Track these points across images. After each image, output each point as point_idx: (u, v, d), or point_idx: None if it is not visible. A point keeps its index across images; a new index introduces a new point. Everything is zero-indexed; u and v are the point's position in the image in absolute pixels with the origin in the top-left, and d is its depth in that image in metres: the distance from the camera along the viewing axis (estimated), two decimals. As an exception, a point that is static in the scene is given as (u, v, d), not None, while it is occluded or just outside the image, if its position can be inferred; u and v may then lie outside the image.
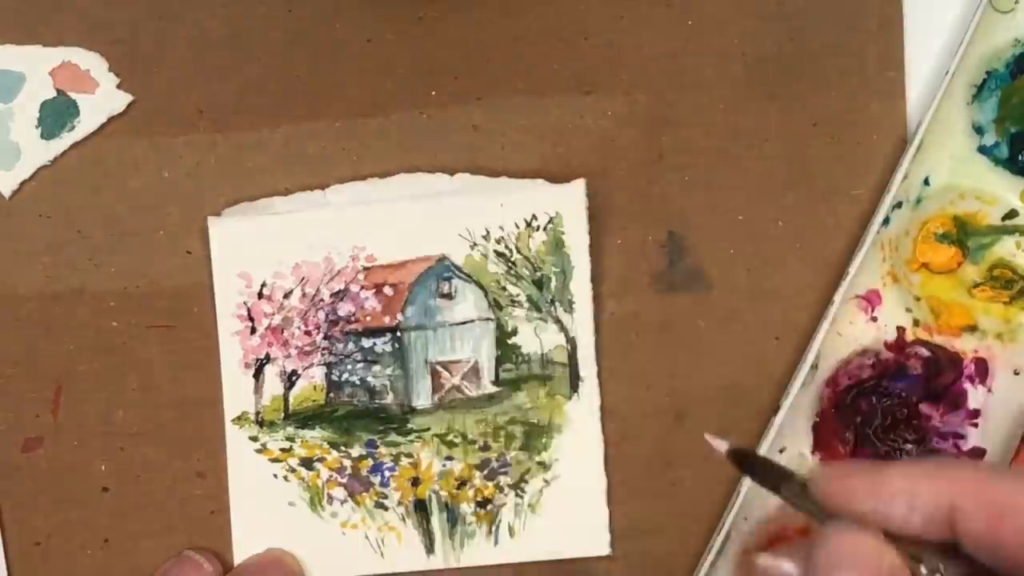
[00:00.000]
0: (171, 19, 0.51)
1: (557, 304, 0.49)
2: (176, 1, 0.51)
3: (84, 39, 0.50)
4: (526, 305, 0.50)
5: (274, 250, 0.50)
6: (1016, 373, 0.48)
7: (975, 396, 0.48)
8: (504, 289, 0.50)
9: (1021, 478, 0.31)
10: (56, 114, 0.50)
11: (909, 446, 0.48)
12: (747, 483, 0.48)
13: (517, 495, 0.49)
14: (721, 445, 0.38)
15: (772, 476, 0.37)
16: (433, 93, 0.50)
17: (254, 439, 0.50)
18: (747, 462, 0.38)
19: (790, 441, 0.49)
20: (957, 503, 0.31)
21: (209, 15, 0.51)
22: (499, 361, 0.50)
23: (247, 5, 0.51)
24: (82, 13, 0.50)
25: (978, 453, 0.48)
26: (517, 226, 0.50)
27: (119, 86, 0.50)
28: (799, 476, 0.35)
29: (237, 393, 0.50)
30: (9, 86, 0.50)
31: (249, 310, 0.50)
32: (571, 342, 0.49)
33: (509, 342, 0.50)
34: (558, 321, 0.49)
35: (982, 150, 0.49)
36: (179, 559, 0.49)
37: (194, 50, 0.51)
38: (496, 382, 0.50)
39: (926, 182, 0.49)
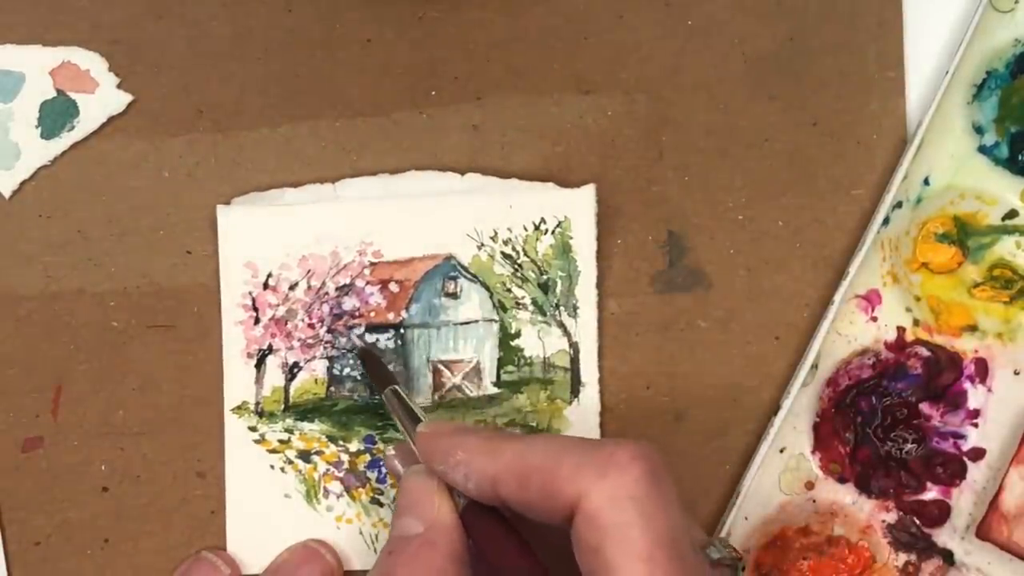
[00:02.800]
0: (171, 19, 0.51)
1: (562, 308, 0.49)
2: (176, 1, 0.51)
3: (84, 39, 0.50)
4: (531, 308, 0.50)
5: (281, 242, 0.50)
6: (1016, 373, 0.48)
7: (975, 396, 0.48)
8: (509, 291, 0.50)
9: (543, 444, 0.38)
10: (56, 114, 0.50)
11: (909, 446, 0.48)
12: (747, 484, 0.48)
13: (516, 495, 0.49)
14: (357, 342, 0.49)
15: (380, 378, 0.47)
16: (433, 93, 0.50)
17: (253, 429, 0.50)
18: (367, 358, 0.48)
19: (790, 441, 0.49)
20: (498, 476, 0.38)
21: (209, 15, 0.51)
22: (501, 363, 0.50)
23: (247, 5, 0.51)
24: (82, 13, 0.50)
25: (978, 453, 0.48)
26: (525, 228, 0.50)
27: (119, 86, 0.50)
28: (403, 394, 0.46)
29: (238, 383, 0.50)
30: (9, 86, 0.50)
31: (254, 300, 0.50)
32: (574, 347, 0.49)
33: (512, 344, 0.50)
34: (562, 325, 0.49)
35: (982, 150, 0.49)
36: (195, 559, 0.49)
37: (194, 50, 0.51)
38: (497, 383, 0.50)
39: (926, 182, 0.49)
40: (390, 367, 0.50)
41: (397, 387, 0.46)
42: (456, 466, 0.40)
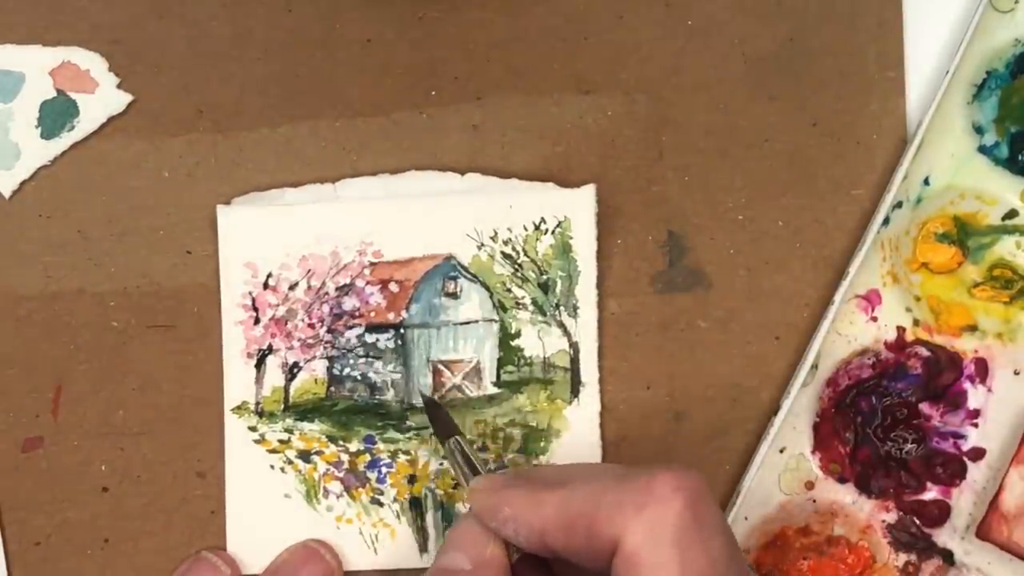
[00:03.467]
0: (171, 19, 0.51)
1: (562, 308, 0.49)
2: (176, 1, 0.51)
3: (84, 39, 0.50)
4: (531, 308, 0.50)
5: (281, 242, 0.50)
6: (1016, 373, 0.48)
7: (975, 396, 0.48)
8: (509, 291, 0.50)
9: (586, 490, 0.37)
10: (56, 114, 0.50)
11: (909, 446, 0.48)
12: (747, 484, 0.48)
13: (515, 496, 0.49)
14: (424, 391, 0.49)
15: (443, 427, 0.46)
16: (433, 93, 0.50)
17: (252, 429, 0.50)
18: (432, 407, 0.48)
19: (790, 441, 0.49)
20: (544, 528, 0.38)
21: (209, 15, 0.51)
22: (501, 363, 0.50)
23: (247, 5, 0.51)
24: (82, 13, 0.50)
25: (978, 453, 0.48)
26: (525, 228, 0.50)
27: (119, 86, 0.50)
28: (462, 442, 0.45)
29: (238, 382, 0.50)
30: (9, 86, 0.50)
31: (254, 300, 0.50)
32: (574, 347, 0.49)
33: (512, 344, 0.50)
34: (562, 325, 0.49)
35: (982, 150, 0.49)
36: (195, 559, 0.49)
37: (194, 50, 0.51)
38: (497, 383, 0.50)
39: (926, 182, 0.49)
40: (390, 367, 0.50)
41: (460, 438, 0.45)
42: (505, 522, 0.39)
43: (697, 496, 0.36)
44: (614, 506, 0.36)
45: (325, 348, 0.50)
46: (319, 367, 0.50)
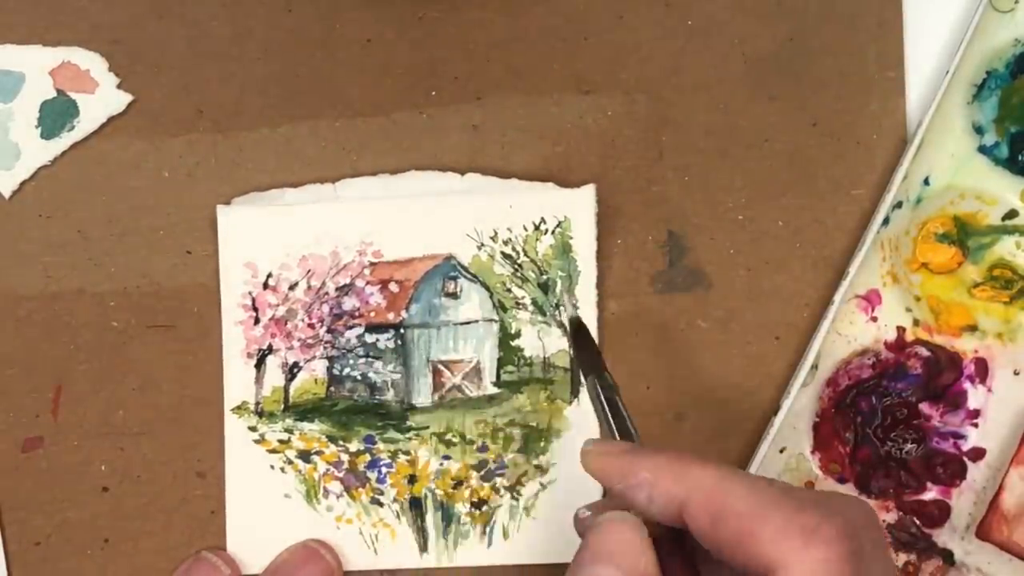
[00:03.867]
0: (171, 19, 0.51)
1: (562, 308, 0.49)
2: (176, 1, 0.51)
3: (84, 39, 0.50)
4: (531, 308, 0.50)
5: (281, 242, 0.50)
6: (1016, 373, 0.48)
7: (975, 396, 0.48)
8: (509, 291, 0.50)
9: (745, 486, 0.35)
10: (56, 114, 0.50)
11: (909, 446, 0.48)
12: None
13: (513, 497, 0.49)
14: (571, 311, 0.47)
15: (588, 364, 0.42)
16: (433, 93, 0.50)
17: (252, 429, 0.50)
18: (580, 335, 0.44)
19: (790, 441, 0.49)
20: (687, 500, 0.36)
21: (209, 15, 0.51)
22: (501, 363, 0.50)
23: (247, 5, 0.51)
24: (82, 13, 0.51)
25: (978, 453, 0.48)
26: (525, 228, 0.50)
27: (119, 86, 0.50)
28: (608, 379, 0.41)
29: (238, 382, 0.50)
30: (9, 86, 0.50)
31: (254, 300, 0.50)
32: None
33: (512, 344, 0.50)
34: (562, 325, 0.49)
35: (982, 150, 0.49)
36: (195, 559, 0.49)
37: (194, 50, 0.51)
38: (497, 383, 0.50)
39: (926, 182, 0.49)
40: (390, 367, 0.50)
41: (607, 375, 0.42)
42: (639, 486, 0.37)
43: (862, 544, 0.35)
44: (779, 531, 0.34)
45: (325, 348, 0.50)
46: (319, 367, 0.50)
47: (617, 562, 0.36)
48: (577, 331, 0.45)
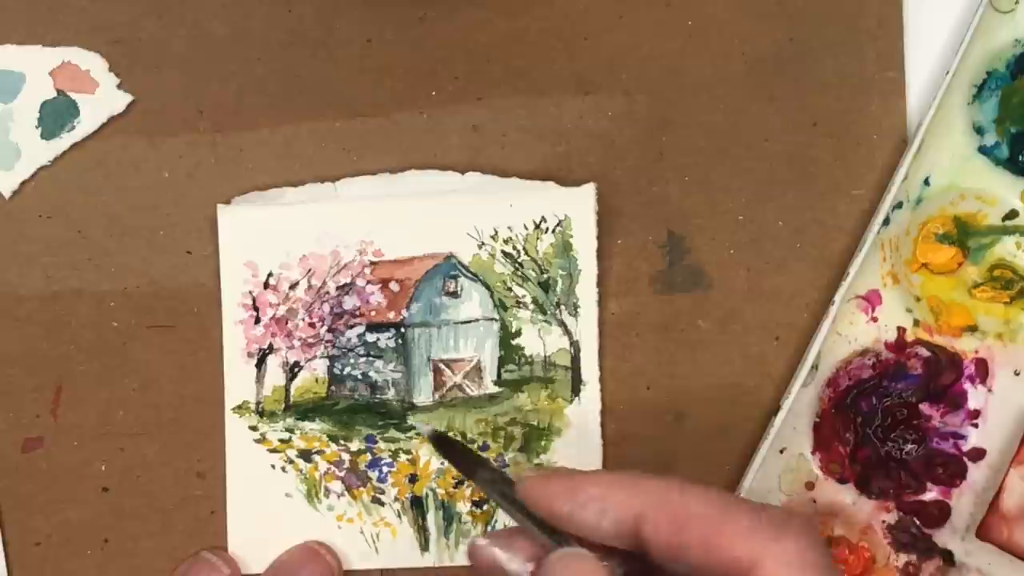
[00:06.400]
0: (171, 19, 0.51)
1: (562, 307, 0.49)
2: (176, 1, 0.51)
3: (84, 39, 0.50)
4: (531, 307, 0.50)
5: (282, 241, 0.50)
6: (1016, 373, 0.48)
7: (975, 396, 0.48)
8: (510, 290, 0.50)
9: (702, 491, 0.35)
10: (56, 114, 0.50)
11: (909, 446, 0.48)
12: (747, 484, 0.48)
13: (515, 496, 0.49)
14: (424, 429, 0.45)
15: (467, 463, 0.41)
16: (433, 93, 0.50)
17: (253, 428, 0.50)
18: (444, 446, 0.42)
19: (790, 441, 0.49)
20: (643, 512, 0.35)
21: (209, 15, 0.51)
22: (502, 361, 0.50)
23: (247, 5, 0.51)
24: (82, 13, 0.50)
25: (978, 453, 0.48)
26: (526, 227, 0.50)
27: (119, 86, 0.50)
28: (493, 467, 0.40)
29: (238, 382, 0.50)
30: (9, 86, 0.50)
31: (254, 299, 0.50)
32: (575, 346, 0.49)
33: (512, 343, 0.50)
34: (562, 324, 0.49)
35: (982, 150, 0.49)
36: (195, 559, 0.49)
37: (194, 50, 0.51)
38: (498, 382, 0.50)
39: (926, 182, 0.49)
40: (390, 367, 0.50)
41: (487, 464, 0.41)
42: (587, 503, 0.36)
43: (821, 540, 0.35)
44: (748, 528, 0.34)
45: (326, 347, 0.50)
46: (320, 366, 0.50)
47: None
48: (438, 444, 0.42)
